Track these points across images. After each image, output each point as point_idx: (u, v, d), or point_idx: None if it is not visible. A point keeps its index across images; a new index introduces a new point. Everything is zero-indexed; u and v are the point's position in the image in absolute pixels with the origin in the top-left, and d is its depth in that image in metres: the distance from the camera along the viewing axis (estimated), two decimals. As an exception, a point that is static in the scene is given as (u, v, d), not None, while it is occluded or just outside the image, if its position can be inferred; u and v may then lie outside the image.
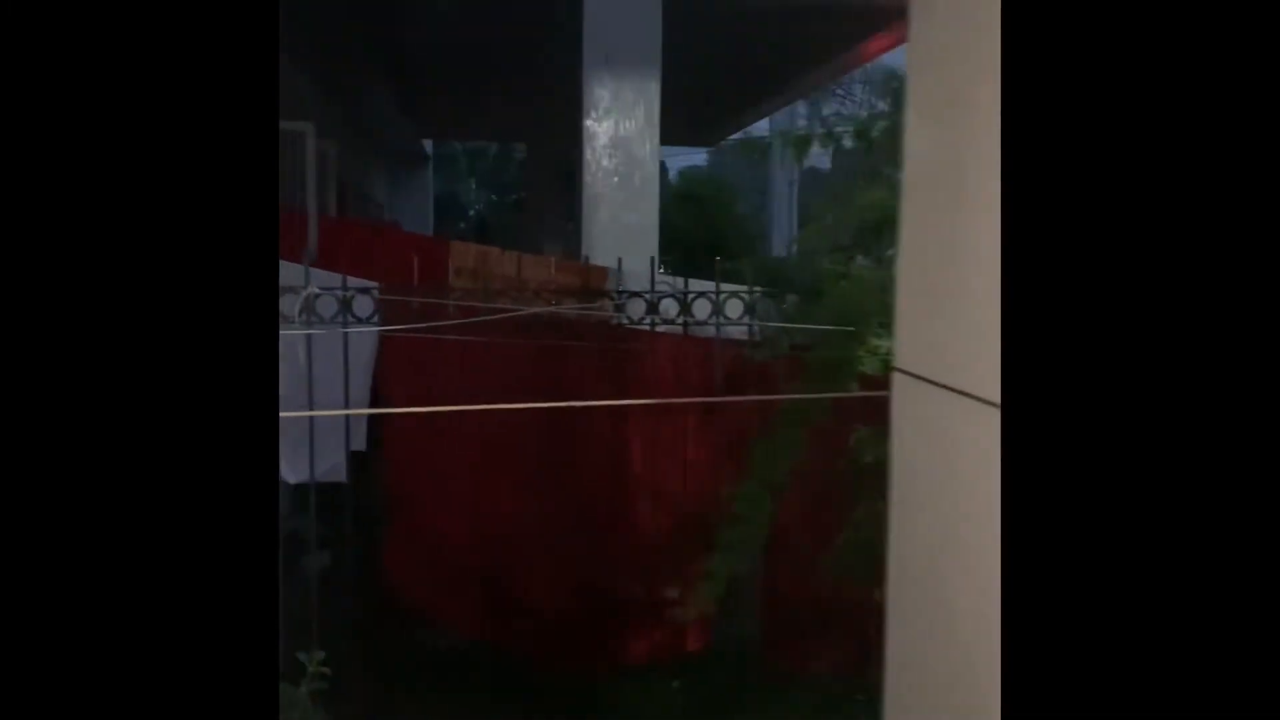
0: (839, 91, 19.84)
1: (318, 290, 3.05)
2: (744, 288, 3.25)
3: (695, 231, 12.27)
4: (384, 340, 3.35)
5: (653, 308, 3.22)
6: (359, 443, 3.83)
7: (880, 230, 3.02)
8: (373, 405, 3.75)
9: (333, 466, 3.77)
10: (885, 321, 2.05)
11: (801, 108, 16.76)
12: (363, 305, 3.22)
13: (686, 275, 3.57)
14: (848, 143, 2.49)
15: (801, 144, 2.48)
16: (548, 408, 3.55)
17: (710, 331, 3.24)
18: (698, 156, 23.06)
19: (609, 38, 5.03)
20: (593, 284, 3.43)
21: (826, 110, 21.50)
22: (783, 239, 16.15)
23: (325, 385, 3.43)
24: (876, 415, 2.66)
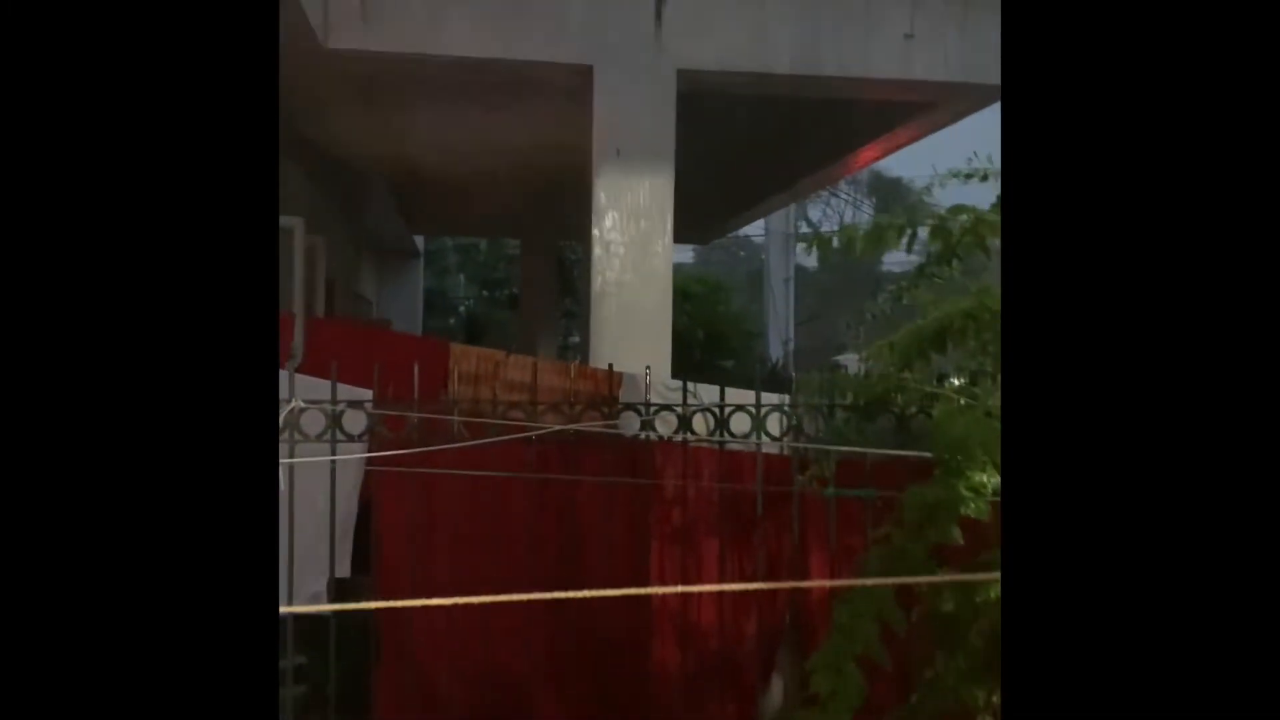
0: (834, 194, 20.03)
1: (303, 404, 2.67)
2: (783, 401, 2.91)
3: (691, 331, 12.02)
4: (376, 461, 2.96)
5: (685, 423, 2.85)
6: (343, 568, 3.44)
7: (942, 342, 2.68)
8: (360, 526, 3.39)
9: (314, 595, 3.40)
10: (991, 454, 1.70)
11: (794, 210, 16.80)
12: (353, 420, 2.84)
13: (685, 377, 3.24)
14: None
15: (870, 240, 2.16)
16: (559, 523, 3.17)
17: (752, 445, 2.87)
18: (685, 254, 23.07)
19: (620, 133, 4.81)
20: (616, 394, 3.07)
21: (814, 212, 21.76)
22: (779, 337, 15.96)
23: (306, 505, 3.05)
24: (954, 557, 2.29)
